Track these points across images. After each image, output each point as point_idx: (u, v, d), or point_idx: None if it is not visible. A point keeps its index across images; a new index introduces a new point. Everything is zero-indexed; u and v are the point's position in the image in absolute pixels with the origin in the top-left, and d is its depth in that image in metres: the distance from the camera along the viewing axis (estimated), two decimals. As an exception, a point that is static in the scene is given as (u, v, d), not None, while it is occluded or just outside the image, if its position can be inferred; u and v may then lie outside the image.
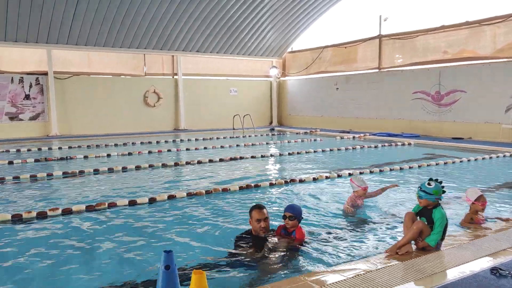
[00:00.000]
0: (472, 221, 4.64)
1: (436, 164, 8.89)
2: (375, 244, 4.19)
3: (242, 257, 3.80)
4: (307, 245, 4.10)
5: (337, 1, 17.66)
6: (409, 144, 12.60)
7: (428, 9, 14.78)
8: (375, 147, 12.01)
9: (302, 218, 4.20)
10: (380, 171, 8.14)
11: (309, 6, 17.67)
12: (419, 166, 8.67)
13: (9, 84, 15.22)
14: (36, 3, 13.41)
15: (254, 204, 4.27)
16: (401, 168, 8.41)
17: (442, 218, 3.73)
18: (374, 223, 4.93)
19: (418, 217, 3.88)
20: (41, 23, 14.35)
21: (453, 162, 9.11)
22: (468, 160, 9.36)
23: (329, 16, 18.49)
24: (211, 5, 15.91)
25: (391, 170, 8.26)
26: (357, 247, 4.11)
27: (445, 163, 9.00)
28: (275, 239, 4.05)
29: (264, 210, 4.08)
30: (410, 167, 8.53)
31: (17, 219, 5.10)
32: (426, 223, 3.77)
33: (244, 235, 4.14)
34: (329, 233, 4.55)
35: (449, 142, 12.60)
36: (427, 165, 8.78)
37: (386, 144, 12.55)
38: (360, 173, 7.91)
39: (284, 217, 4.12)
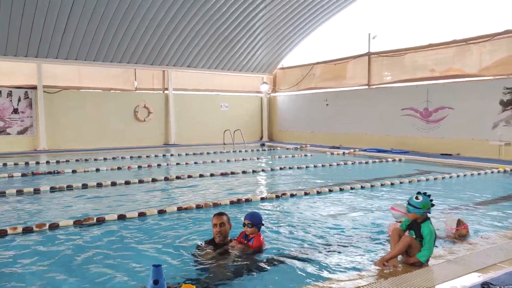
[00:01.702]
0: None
1: (426, 180, 8.94)
2: (362, 259, 4.12)
3: (203, 265, 3.94)
4: (289, 259, 4.10)
5: (327, 19, 17.96)
6: (400, 160, 12.68)
7: (416, 27, 15.08)
8: (366, 162, 12.06)
9: (262, 225, 4.37)
10: (371, 186, 8.15)
11: (299, 24, 17.93)
12: (409, 182, 8.71)
13: (-3, 98, 15.06)
14: (27, 16, 13.39)
15: None
16: (392, 184, 8.44)
17: (431, 234, 3.72)
18: (362, 237, 4.89)
19: (408, 231, 3.86)
20: (31, 37, 14.30)
21: (443, 178, 9.18)
22: (457, 176, 9.43)
23: (319, 33, 18.77)
24: (203, 21, 16.05)
25: (382, 185, 8.28)
26: (342, 262, 4.05)
27: (434, 179, 9.06)
28: (231, 246, 4.23)
29: (224, 217, 4.28)
30: (401, 182, 8.56)
31: (2, 235, 4.97)
32: (414, 236, 3.77)
33: (204, 243, 4.36)
34: (315, 247, 4.52)
35: (438, 158, 12.71)
36: (418, 181, 8.83)
37: (376, 160, 12.62)
38: (351, 188, 7.91)
39: (244, 225, 4.30)
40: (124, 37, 15.69)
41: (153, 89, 18.50)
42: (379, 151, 14.55)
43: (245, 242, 4.27)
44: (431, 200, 3.84)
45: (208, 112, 19.57)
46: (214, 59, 18.66)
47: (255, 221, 4.28)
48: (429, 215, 3.85)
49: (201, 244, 4.38)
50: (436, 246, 4.13)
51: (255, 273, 3.79)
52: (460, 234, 4.67)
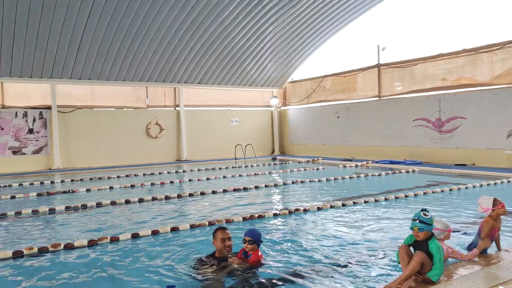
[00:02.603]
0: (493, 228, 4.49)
1: (442, 191, 8.80)
2: (374, 279, 4.04)
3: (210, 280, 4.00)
4: (296, 277, 4.06)
5: (336, 32, 18.05)
6: (413, 171, 12.54)
7: (425, 37, 15.07)
8: (379, 175, 11.95)
9: (261, 241, 4.43)
10: (386, 199, 8.06)
11: (308, 37, 18.04)
12: (424, 193, 8.59)
13: (12, 119, 15.37)
14: (41, 38, 13.73)
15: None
16: (406, 196, 8.33)
17: (439, 251, 3.58)
18: (372, 255, 4.77)
19: (413, 250, 3.71)
20: (45, 58, 14.63)
21: (458, 189, 9.04)
22: (473, 186, 9.28)
23: (328, 46, 18.85)
24: (212, 38, 16.26)
25: (396, 198, 8.18)
26: (353, 281, 3.96)
27: (450, 190, 8.93)
28: (232, 260, 4.29)
29: (228, 230, 4.45)
30: (415, 195, 8.45)
31: (18, 255, 5.02)
32: None
33: (205, 259, 4.43)
34: (325, 265, 4.44)
35: (452, 168, 12.54)
36: (433, 192, 8.70)
37: (389, 171, 12.49)
38: (365, 202, 7.83)
39: (244, 241, 4.36)
40: (135, 56, 15.96)
41: (165, 106, 18.69)
42: (392, 162, 14.42)
43: (244, 258, 4.34)
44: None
45: (219, 127, 19.67)
46: (224, 75, 18.83)
47: (255, 238, 4.33)
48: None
49: (204, 258, 4.49)
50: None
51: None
52: (498, 214, 4.49)
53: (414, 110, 15.05)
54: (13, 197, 9.41)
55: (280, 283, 3.92)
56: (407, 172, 12.48)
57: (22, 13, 12.62)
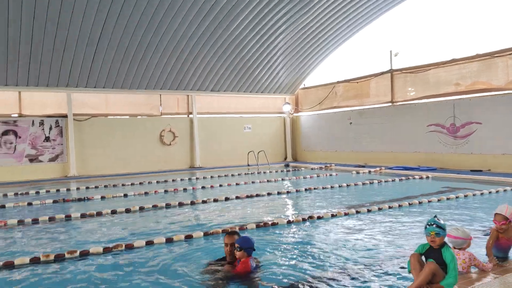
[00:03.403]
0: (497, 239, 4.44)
1: (456, 197, 8.70)
2: (385, 287, 4.01)
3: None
4: (307, 284, 4.04)
5: (348, 38, 18.04)
6: (427, 177, 12.41)
7: (437, 43, 14.98)
8: (392, 181, 11.86)
9: (254, 250, 4.38)
10: (399, 206, 8.00)
11: (320, 43, 18.07)
12: (438, 200, 8.50)
13: (29, 127, 15.68)
14: (58, 49, 14.03)
15: None
16: (420, 202, 8.26)
17: (454, 259, 3.52)
18: (384, 263, 4.73)
19: (425, 259, 3.66)
20: (61, 68, 14.94)
21: (474, 195, 8.92)
22: (489, 192, 9.15)
23: (340, 52, 18.84)
24: (224, 46, 16.41)
25: (410, 204, 8.11)
26: None
27: (465, 196, 8.81)
28: (225, 267, 4.42)
29: (235, 236, 4.47)
30: (429, 201, 8.37)
31: (36, 262, 5.12)
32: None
33: (214, 262, 4.64)
34: (337, 273, 4.42)
35: (467, 174, 12.37)
36: (447, 199, 8.60)
37: (403, 177, 12.38)
38: (379, 209, 7.78)
39: (235, 248, 4.38)
40: (149, 65, 16.19)
41: (178, 113, 18.87)
42: (405, 168, 14.29)
43: (234, 266, 4.38)
44: None
45: (232, 134, 19.76)
46: (237, 82, 18.95)
47: (243, 245, 4.31)
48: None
49: (213, 261, 4.63)
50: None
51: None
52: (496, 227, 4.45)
53: (427, 116, 14.91)
54: (30, 204, 9.59)
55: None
56: (421, 178, 12.36)
57: (40, 23, 12.92)
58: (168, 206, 8.84)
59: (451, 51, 14.43)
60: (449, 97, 14.31)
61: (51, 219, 7.78)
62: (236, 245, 4.32)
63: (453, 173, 12.80)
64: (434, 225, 3.59)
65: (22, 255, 5.39)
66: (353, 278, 4.24)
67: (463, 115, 13.77)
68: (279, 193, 10.28)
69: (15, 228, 7.23)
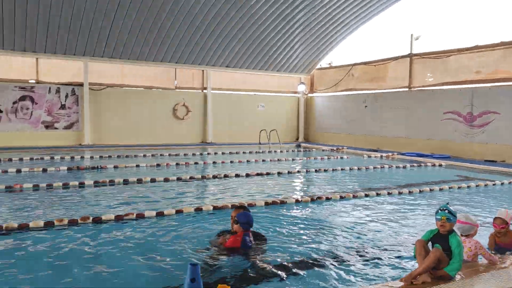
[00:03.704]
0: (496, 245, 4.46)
1: (468, 187, 8.64)
2: (390, 272, 4.03)
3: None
4: (312, 265, 4.09)
5: (368, 20, 17.66)
6: (440, 165, 12.31)
7: (461, 28, 14.58)
8: (404, 167, 11.79)
9: (250, 226, 4.42)
10: (410, 192, 7.98)
11: (339, 24, 17.73)
12: (450, 188, 8.45)
13: (46, 94, 15.87)
14: (76, 17, 14.03)
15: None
16: (431, 190, 8.22)
17: (460, 246, 3.55)
18: (390, 248, 4.76)
19: (432, 245, 3.69)
20: (79, 36, 14.97)
21: (485, 185, 8.84)
22: (502, 183, 9.06)
23: (359, 33, 18.50)
24: (242, 22, 16.22)
25: (420, 191, 8.08)
26: (368, 274, 3.97)
27: (476, 186, 8.74)
28: (220, 238, 4.54)
29: (239, 210, 4.50)
30: (440, 189, 8.33)
31: (49, 226, 5.27)
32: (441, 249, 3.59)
33: (221, 234, 4.71)
34: (339, 255, 4.44)
35: (481, 164, 12.23)
36: (458, 188, 8.55)
37: (415, 164, 12.31)
38: (388, 193, 7.77)
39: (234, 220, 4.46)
40: (166, 37, 16.12)
41: (193, 88, 18.88)
42: (419, 155, 14.17)
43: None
44: None
45: (245, 112, 19.74)
46: (253, 59, 18.80)
47: (240, 219, 4.39)
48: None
49: (219, 232, 4.75)
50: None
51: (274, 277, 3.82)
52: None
53: (445, 103, 14.67)
54: (45, 170, 9.81)
55: (287, 269, 3.99)
56: (434, 165, 12.26)
57: (59, -9, 12.91)
58: (179, 179, 8.95)
59: (474, 37, 14.07)
60: (468, 85, 14.02)
61: (65, 185, 7.96)
62: (235, 218, 4.42)
63: (467, 162, 12.66)
64: (446, 211, 3.63)
65: (36, 219, 5.55)
66: (356, 260, 4.29)
67: (481, 104, 13.51)
68: (289, 173, 10.33)
69: (30, 193, 7.42)
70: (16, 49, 14.87)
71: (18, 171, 9.57)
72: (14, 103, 15.35)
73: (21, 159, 11.54)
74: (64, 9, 13.63)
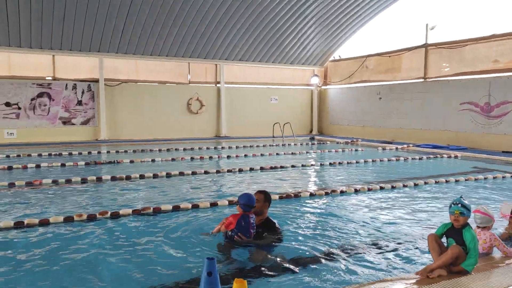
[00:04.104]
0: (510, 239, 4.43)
1: (485, 179, 8.53)
2: (403, 266, 4.03)
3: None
4: (324, 259, 4.11)
5: (382, 10, 17.42)
6: (456, 156, 12.16)
7: (477, 17, 14.27)
8: (420, 159, 11.69)
9: (247, 207, 4.35)
10: (425, 183, 7.92)
11: (353, 15, 17.54)
12: (466, 180, 8.37)
13: (63, 90, 16.13)
14: (90, 14, 14.19)
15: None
16: (447, 181, 8.15)
17: (474, 240, 3.52)
18: (406, 241, 4.75)
19: (446, 238, 3.68)
20: (94, 33, 15.14)
21: (503, 177, 8.72)
22: (520, 176, 8.92)
23: (373, 24, 18.26)
24: (254, 16, 16.17)
25: (436, 183, 8.02)
26: (383, 267, 3.97)
27: (494, 178, 8.63)
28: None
29: (261, 194, 4.61)
30: (456, 181, 8.25)
31: (69, 221, 5.40)
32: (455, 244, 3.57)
33: None
34: (354, 248, 4.46)
35: (498, 155, 12.04)
36: (475, 179, 8.45)
37: (431, 156, 12.18)
38: (404, 185, 7.73)
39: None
40: (179, 32, 16.19)
41: (206, 82, 18.95)
42: (435, 147, 14.01)
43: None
44: None
45: (258, 105, 19.75)
46: (265, 52, 18.76)
47: (240, 200, 4.42)
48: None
49: None
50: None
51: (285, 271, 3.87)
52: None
53: (461, 93, 14.44)
54: (63, 165, 10.02)
55: (302, 263, 4.03)
56: (450, 157, 12.12)
57: (73, -12, 13.06)
58: (194, 173, 9.05)
59: (491, 26, 13.75)
60: (486, 75, 13.76)
61: (83, 180, 8.12)
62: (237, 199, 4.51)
63: (484, 153, 12.47)
64: (460, 205, 3.59)
65: (56, 214, 5.69)
66: (371, 254, 4.30)
67: (499, 94, 13.26)
68: (303, 166, 10.34)
69: (49, 188, 7.60)
70: (33, 47, 15.13)
71: (38, 166, 9.79)
72: (32, 99, 15.65)
73: (40, 155, 11.79)
74: (79, 7, 13.79)
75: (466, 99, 14.26)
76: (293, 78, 20.77)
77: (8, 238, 4.80)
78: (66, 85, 16.19)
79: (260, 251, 4.22)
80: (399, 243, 4.65)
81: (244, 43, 17.82)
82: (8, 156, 11.50)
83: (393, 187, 7.63)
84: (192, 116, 18.47)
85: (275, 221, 4.70)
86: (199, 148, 14.01)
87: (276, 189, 7.63)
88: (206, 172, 9.18)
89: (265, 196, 4.66)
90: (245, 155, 12.27)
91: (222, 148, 14.53)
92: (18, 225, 5.17)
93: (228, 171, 9.44)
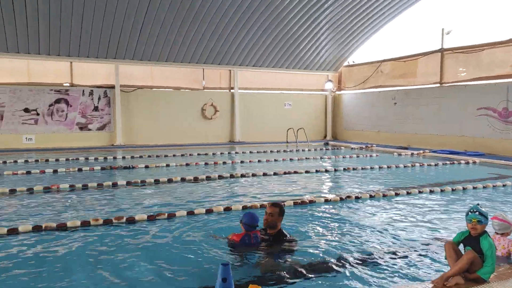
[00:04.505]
0: None
1: (503, 186, 8.37)
2: (418, 273, 3.97)
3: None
4: (339, 266, 4.08)
5: (397, 15, 17.32)
6: (473, 162, 11.96)
7: (494, 22, 14.08)
8: (436, 165, 11.53)
9: (249, 227, 4.42)
10: (442, 191, 7.81)
11: (367, 20, 17.48)
12: (484, 187, 8.22)
13: (80, 96, 16.41)
14: (107, 21, 14.43)
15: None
16: (464, 188, 8.02)
17: (492, 248, 3.46)
18: (421, 248, 4.68)
19: (463, 247, 3.63)
20: (110, 40, 15.39)
21: (523, 184, 8.53)
22: (540, 182, 8.71)
23: (388, 29, 18.15)
24: (268, 22, 16.24)
25: (453, 190, 7.90)
26: (398, 276, 3.92)
27: (513, 185, 8.45)
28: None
29: (276, 208, 4.58)
30: (474, 187, 8.11)
31: (86, 225, 5.48)
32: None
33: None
34: (368, 256, 4.42)
35: (518, 161, 11.80)
36: (493, 186, 8.29)
37: (447, 162, 12.01)
38: (420, 192, 7.64)
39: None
40: (193, 39, 16.34)
41: (220, 88, 19.06)
42: (451, 152, 13.81)
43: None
44: None
45: (272, 110, 19.77)
46: (279, 58, 18.80)
47: (242, 218, 4.52)
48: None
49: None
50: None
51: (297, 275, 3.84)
52: None
53: (478, 98, 14.22)
54: (80, 170, 10.17)
55: (316, 269, 4.01)
56: (467, 163, 11.93)
57: (90, -4, 13.32)
58: (208, 178, 9.09)
59: (508, 30, 13.54)
60: (503, 80, 13.53)
61: (100, 185, 8.23)
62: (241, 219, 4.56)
63: (502, 159, 12.24)
64: (477, 213, 3.55)
65: (74, 218, 5.78)
66: (387, 261, 4.26)
67: (518, 99, 13.02)
68: (317, 171, 10.29)
69: (67, 193, 7.72)
70: (52, 54, 15.45)
71: (55, 171, 9.96)
72: (50, 105, 15.96)
73: (57, 160, 11.99)
74: (96, 16, 14.05)
75: (483, 104, 14.04)
76: (307, 84, 20.75)
77: (26, 242, 4.88)
78: (83, 91, 16.47)
79: (269, 259, 4.23)
80: (415, 251, 4.59)
81: (258, 48, 17.89)
82: (26, 161, 11.72)
83: (408, 193, 7.54)
84: (206, 122, 18.58)
85: (287, 233, 4.70)
86: (213, 154, 14.07)
87: (291, 194, 7.61)
88: (220, 177, 9.21)
89: (280, 209, 4.64)
90: (259, 161, 12.28)
91: (236, 153, 14.56)
92: (36, 229, 5.26)
93: (242, 175, 9.46)
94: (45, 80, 16.01)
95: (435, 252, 4.51)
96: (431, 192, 7.70)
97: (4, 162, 11.47)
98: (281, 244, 4.51)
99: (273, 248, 4.42)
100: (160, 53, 16.73)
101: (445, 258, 3.68)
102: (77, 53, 15.68)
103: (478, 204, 3.66)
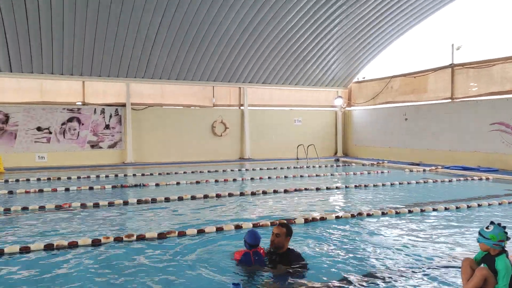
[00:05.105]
0: None
1: (519, 202, 8.18)
2: None
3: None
4: (345, 283, 4.02)
5: (406, 31, 17.35)
6: (487, 179, 11.76)
7: (504, 36, 14.01)
8: (449, 181, 11.35)
9: (249, 246, 4.43)
10: (457, 208, 7.66)
11: (376, 36, 17.54)
12: (499, 204, 8.05)
13: (92, 115, 16.62)
14: (119, 41, 14.70)
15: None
16: (479, 205, 7.86)
17: (507, 269, 3.39)
18: (434, 267, 4.58)
19: (482, 264, 3.56)
20: (122, 59, 15.65)
21: (539, 201, 8.34)
22: (557, 199, 8.51)
23: (397, 45, 18.18)
24: (277, 39, 16.38)
25: (468, 207, 7.75)
26: None
27: (529, 201, 8.27)
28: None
29: (283, 228, 4.49)
30: (489, 204, 7.94)
31: (97, 244, 5.46)
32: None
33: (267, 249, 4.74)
34: (380, 273, 4.34)
35: (533, 177, 11.57)
36: (509, 203, 8.12)
37: (461, 178, 11.82)
38: (434, 209, 7.50)
39: None
40: (203, 57, 16.54)
41: (230, 105, 19.16)
42: (464, 168, 13.61)
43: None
44: (506, 233, 3.52)
45: (282, 127, 19.77)
46: (288, 74, 18.89)
47: (245, 237, 4.51)
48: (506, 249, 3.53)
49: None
50: None
51: None
52: None
53: (491, 114, 14.07)
54: (91, 188, 10.21)
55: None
56: (481, 179, 11.73)
57: (103, 17, 13.59)
58: (218, 196, 9.06)
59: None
60: (516, 94, 13.39)
61: (111, 203, 8.24)
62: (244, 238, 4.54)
63: (517, 175, 12.02)
64: (478, 233, 3.62)
65: (85, 237, 5.77)
66: (399, 280, 4.15)
67: (531, 113, 12.84)
68: (328, 188, 10.20)
69: (78, 211, 7.74)
70: (64, 73, 15.73)
71: (67, 189, 10.02)
72: (62, 124, 16.17)
73: (69, 178, 12.08)
74: (108, 35, 14.33)
75: (496, 120, 13.87)
76: (317, 100, 20.77)
77: (38, 261, 4.87)
78: (95, 109, 16.68)
79: (275, 281, 4.17)
80: (428, 268, 4.48)
81: (267, 66, 18.02)
82: (39, 179, 11.82)
83: (422, 211, 7.41)
84: (216, 139, 18.64)
85: (297, 252, 4.59)
86: (223, 171, 14.05)
87: (301, 212, 7.53)
88: (230, 195, 9.17)
89: (287, 230, 4.53)
90: (269, 177, 12.22)
91: (246, 170, 14.53)
92: (48, 247, 5.26)
93: (252, 193, 9.40)
94: (58, 99, 16.27)
95: (451, 270, 4.40)
96: (446, 209, 7.56)
97: (17, 180, 11.58)
98: (290, 264, 4.38)
99: (280, 269, 4.32)
100: (171, 72, 16.94)
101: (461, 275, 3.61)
102: (89, 72, 15.95)
103: (491, 222, 3.61)
